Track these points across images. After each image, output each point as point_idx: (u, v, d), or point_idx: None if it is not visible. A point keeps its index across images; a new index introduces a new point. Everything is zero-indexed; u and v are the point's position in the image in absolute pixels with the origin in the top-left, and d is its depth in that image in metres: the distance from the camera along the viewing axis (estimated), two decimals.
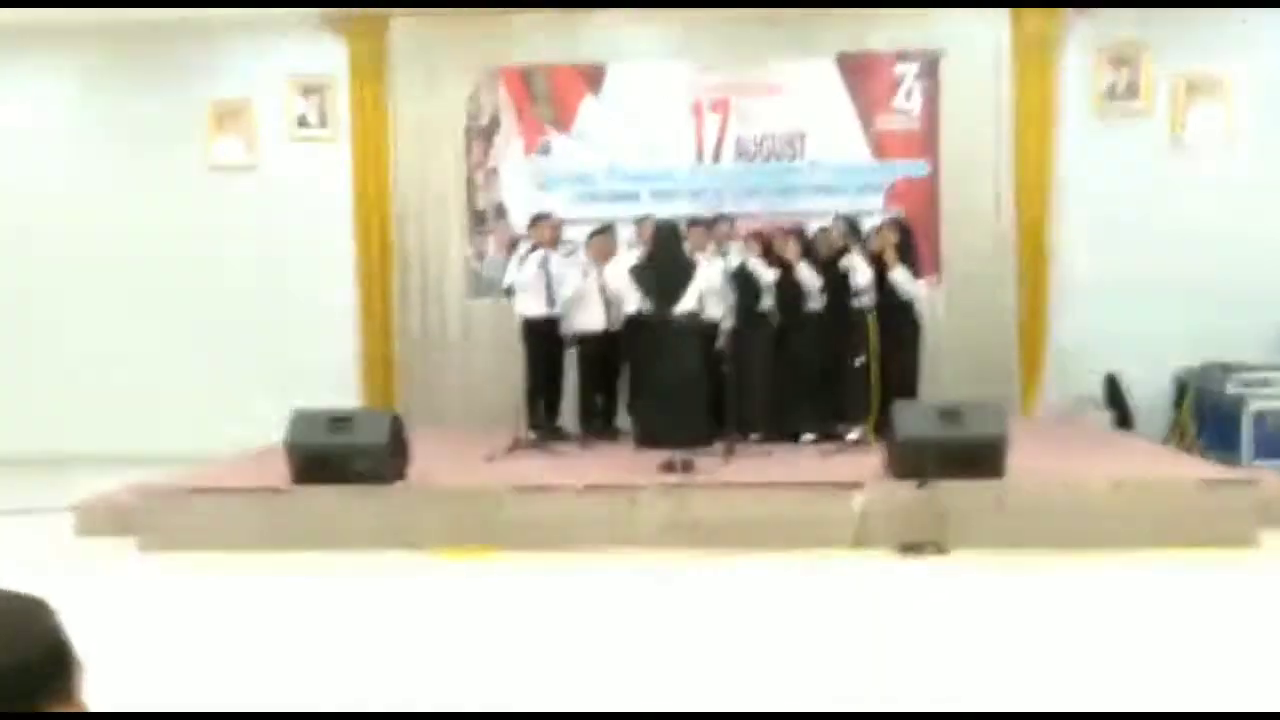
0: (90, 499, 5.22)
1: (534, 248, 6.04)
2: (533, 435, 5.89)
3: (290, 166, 7.45)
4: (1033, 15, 6.99)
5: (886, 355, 5.54)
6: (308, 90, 7.45)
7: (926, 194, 7.14)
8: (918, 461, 4.56)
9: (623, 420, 6.26)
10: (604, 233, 6.40)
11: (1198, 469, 5.14)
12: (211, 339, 7.43)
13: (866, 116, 7.15)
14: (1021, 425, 5.66)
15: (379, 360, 7.38)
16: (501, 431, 5.76)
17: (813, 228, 6.44)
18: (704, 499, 4.69)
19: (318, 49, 7.37)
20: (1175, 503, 4.56)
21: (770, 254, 6.00)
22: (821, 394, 5.84)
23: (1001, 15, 7.02)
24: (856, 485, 4.68)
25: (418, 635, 3.61)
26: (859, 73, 7.14)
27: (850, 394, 5.67)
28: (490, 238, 7.44)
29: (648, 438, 5.40)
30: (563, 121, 7.33)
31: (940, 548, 4.44)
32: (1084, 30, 7.04)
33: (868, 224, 6.35)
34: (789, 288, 5.91)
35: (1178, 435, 6.63)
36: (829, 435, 5.73)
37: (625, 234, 6.62)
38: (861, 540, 4.55)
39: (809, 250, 6.00)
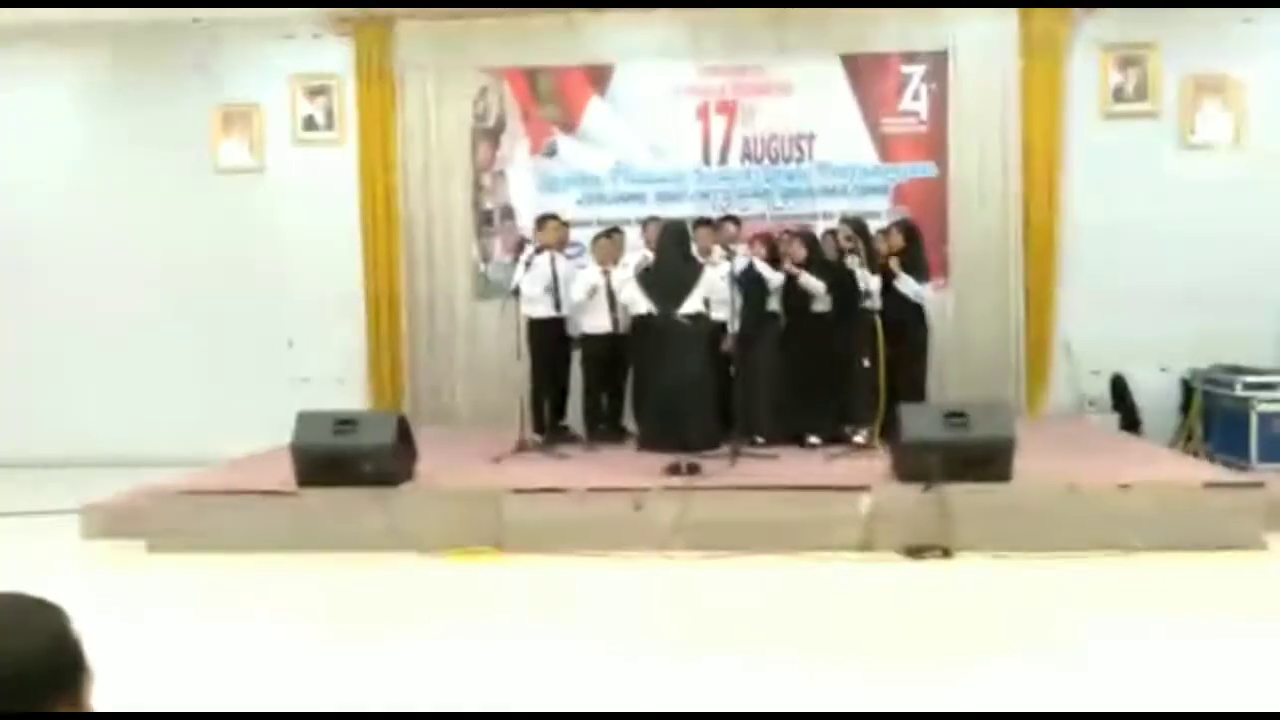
0: (98, 501, 5.23)
1: (540, 249, 6.04)
2: (538, 437, 5.90)
3: (297, 169, 7.46)
4: (1040, 15, 6.97)
5: (893, 357, 5.53)
6: (314, 92, 7.46)
7: (933, 195, 7.13)
8: (924, 464, 4.55)
9: (628, 422, 6.26)
10: (611, 234, 6.40)
11: (1205, 472, 5.12)
12: (218, 341, 7.45)
13: (873, 117, 7.14)
14: (1028, 427, 5.64)
15: (385, 362, 7.40)
16: (507, 433, 5.76)
17: (819, 230, 6.44)
18: (709, 502, 4.69)
19: (324, 51, 7.38)
20: (1183, 506, 4.54)
21: (776, 256, 5.99)
22: (828, 396, 5.83)
23: (1009, 15, 7.00)
24: (863, 488, 4.67)
25: (423, 636, 3.62)
26: (866, 73, 7.13)
27: (856, 396, 5.66)
28: (497, 239, 7.45)
29: (653, 440, 5.40)
30: (569, 123, 7.33)
31: (946, 551, 4.44)
32: (1092, 30, 7.02)
33: (874, 226, 6.34)
34: (795, 290, 5.90)
35: (1185, 438, 6.60)
36: (835, 438, 5.72)
37: (632, 235, 6.62)
38: (868, 543, 4.55)
39: (815, 252, 5.99)
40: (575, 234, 6.75)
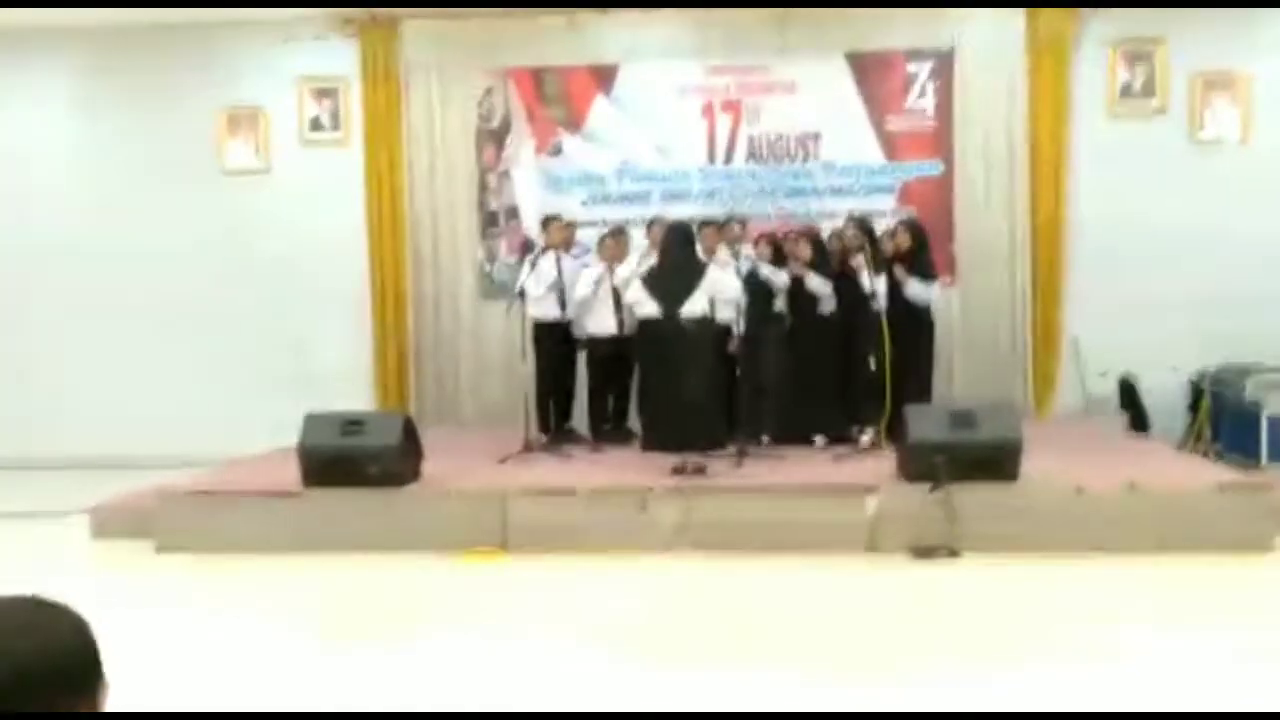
0: (107, 502, 5.26)
1: (545, 250, 6.04)
2: (544, 438, 5.90)
3: (303, 170, 7.48)
4: (1047, 13, 6.93)
5: (899, 358, 5.51)
6: (320, 94, 7.48)
7: (940, 194, 7.10)
8: (931, 465, 4.54)
9: (634, 423, 6.26)
10: (616, 235, 6.40)
11: (1215, 472, 5.09)
12: (225, 342, 7.47)
13: (879, 116, 7.11)
14: (1035, 428, 5.62)
15: (392, 363, 7.41)
16: (513, 434, 5.77)
17: (825, 229, 6.42)
18: (715, 503, 4.68)
19: (329, 52, 7.39)
20: (1192, 507, 4.51)
21: (781, 256, 5.98)
22: (834, 397, 5.82)
23: (1015, 13, 6.96)
24: (869, 489, 4.66)
25: (428, 636, 3.62)
26: (871, 72, 7.11)
27: (863, 397, 5.65)
28: (502, 240, 7.45)
29: (659, 441, 5.39)
30: (574, 123, 7.33)
31: (953, 552, 4.42)
32: (1099, 28, 6.98)
33: (880, 225, 6.32)
34: (802, 291, 5.88)
35: (1194, 438, 6.57)
36: (841, 439, 5.71)
37: (636, 236, 6.61)
38: (874, 545, 4.54)
39: (821, 252, 5.97)
40: (580, 234, 6.75)
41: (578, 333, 6.22)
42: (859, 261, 5.67)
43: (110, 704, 0.97)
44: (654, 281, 5.24)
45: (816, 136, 7.16)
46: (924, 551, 4.43)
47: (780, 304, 5.95)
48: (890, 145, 7.12)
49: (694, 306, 5.11)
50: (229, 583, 4.39)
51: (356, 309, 7.39)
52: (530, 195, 7.37)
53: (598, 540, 4.59)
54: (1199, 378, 6.72)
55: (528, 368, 5.95)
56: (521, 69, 7.33)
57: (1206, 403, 6.55)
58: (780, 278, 5.89)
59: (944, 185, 7.10)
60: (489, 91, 7.37)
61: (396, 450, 4.86)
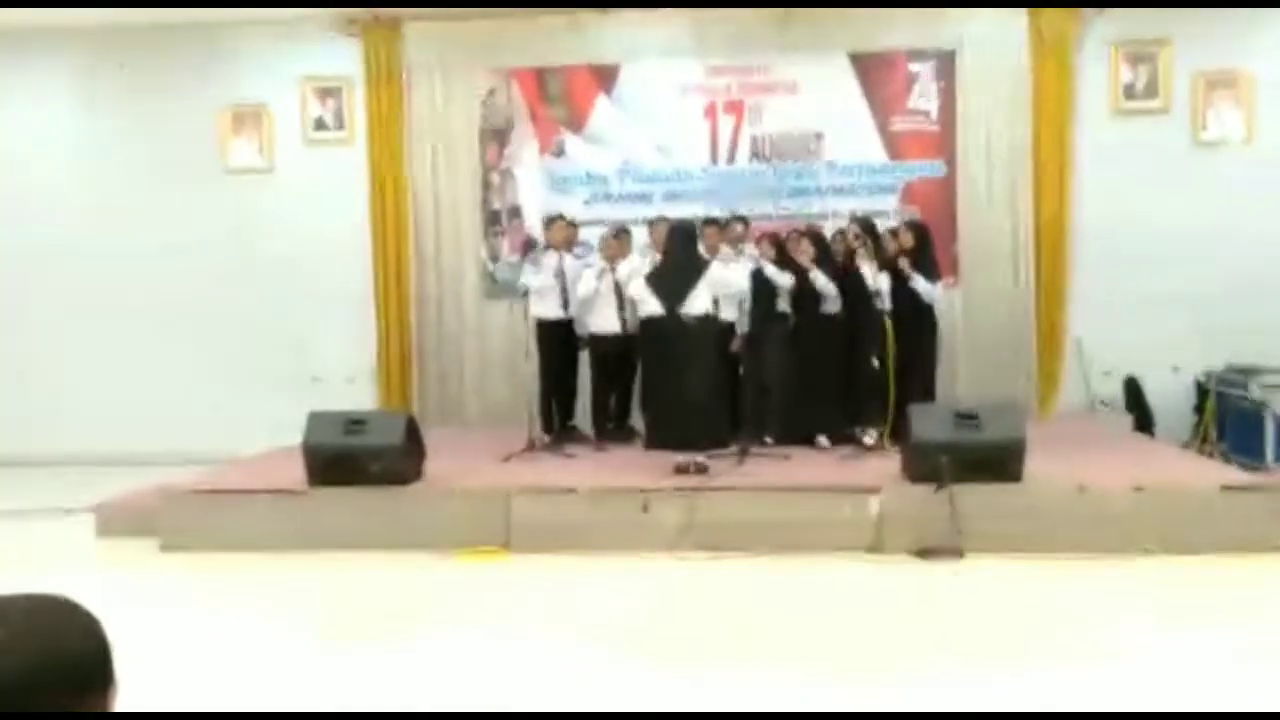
0: (111, 500, 5.27)
1: (548, 249, 6.03)
2: (547, 437, 5.90)
3: (306, 169, 7.48)
4: (1050, 13, 6.92)
5: (903, 358, 5.50)
6: (323, 93, 7.49)
7: (943, 194, 7.09)
8: (934, 465, 4.53)
9: (637, 422, 6.25)
10: (618, 234, 6.40)
11: (1220, 473, 5.08)
12: (228, 341, 7.48)
13: (882, 116, 7.11)
14: (1039, 428, 5.61)
15: (395, 362, 7.41)
16: (516, 433, 5.77)
17: (828, 229, 6.42)
18: (718, 502, 4.68)
19: (333, 52, 7.40)
20: (1197, 508, 4.50)
21: (785, 256, 5.97)
22: (837, 397, 5.81)
23: (1018, 13, 6.95)
24: (873, 489, 4.65)
25: (431, 635, 3.62)
26: (874, 72, 7.10)
27: (867, 397, 5.64)
28: (505, 239, 7.45)
29: (661, 440, 5.39)
30: (577, 122, 7.33)
31: (957, 553, 4.41)
32: (1102, 28, 6.97)
33: (884, 225, 6.31)
34: (805, 290, 5.88)
35: (1200, 439, 6.55)
36: (845, 438, 5.70)
37: (639, 235, 6.61)
38: (877, 545, 4.53)
39: (824, 252, 5.97)
40: (583, 234, 6.74)
41: (580, 331, 6.22)
42: (863, 261, 5.66)
43: (116, 703, 0.97)
44: (657, 279, 5.23)
45: (819, 136, 7.16)
46: (928, 552, 4.42)
47: (783, 303, 5.94)
48: (893, 145, 7.12)
49: (697, 304, 5.10)
50: (232, 581, 4.39)
51: (359, 308, 7.40)
52: (533, 195, 7.37)
53: (600, 540, 4.58)
54: (1205, 378, 6.71)
55: (531, 367, 5.95)
56: (524, 69, 7.34)
57: (1212, 403, 6.54)
58: (785, 278, 5.88)
59: (947, 185, 7.09)
60: (492, 91, 7.37)
61: (399, 449, 4.87)
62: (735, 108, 7.21)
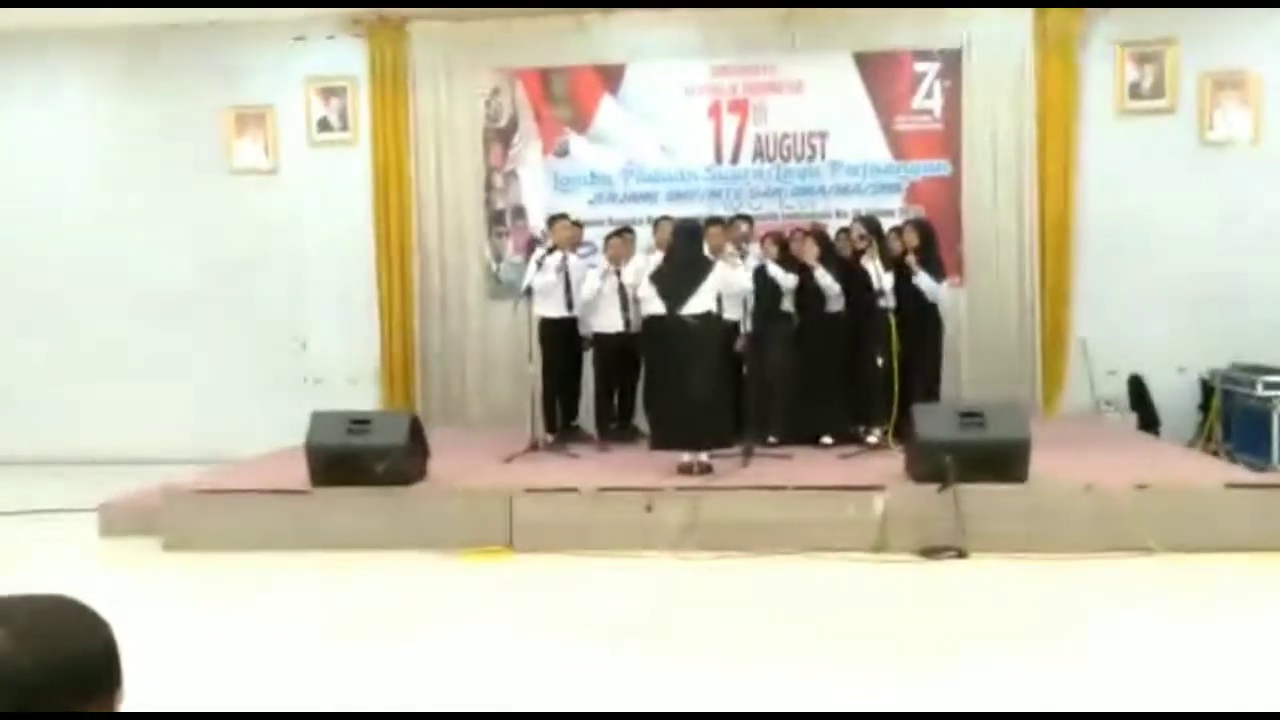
0: (115, 500, 5.27)
1: (552, 249, 6.04)
2: (550, 437, 5.90)
3: (311, 170, 7.50)
4: (1055, 12, 6.90)
5: (907, 357, 5.49)
6: (328, 94, 7.50)
7: (947, 194, 7.08)
8: (939, 465, 4.52)
9: (640, 422, 6.25)
10: (622, 234, 6.40)
11: (1225, 472, 5.06)
12: (232, 341, 7.50)
13: (886, 116, 7.10)
14: (1043, 427, 5.59)
15: (399, 362, 7.42)
16: (519, 433, 5.77)
17: (833, 228, 6.41)
18: (721, 502, 4.67)
19: (337, 53, 7.41)
20: (1203, 506, 4.48)
21: (789, 255, 5.96)
22: (841, 396, 5.80)
23: (1023, 13, 6.94)
24: (877, 489, 4.64)
25: (434, 635, 3.62)
26: (879, 72, 7.09)
27: (871, 396, 5.63)
28: (509, 239, 7.46)
29: (665, 440, 5.39)
30: (581, 122, 7.33)
31: (961, 552, 4.40)
32: (1107, 27, 6.95)
33: (888, 224, 6.30)
34: (810, 289, 5.87)
35: (1205, 438, 6.53)
36: (849, 438, 5.69)
37: (643, 235, 6.61)
38: (882, 544, 4.52)
39: (829, 251, 5.95)
40: (587, 234, 6.75)
41: (584, 331, 6.22)
42: (868, 260, 5.65)
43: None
44: (661, 279, 5.23)
45: (824, 136, 7.15)
46: (932, 551, 4.41)
47: (787, 303, 5.93)
48: (897, 145, 7.11)
49: (700, 303, 5.10)
50: (235, 581, 4.39)
51: (363, 308, 7.41)
52: (537, 195, 7.38)
53: (604, 539, 4.58)
54: (1210, 377, 6.69)
55: (534, 367, 5.95)
56: (529, 69, 7.34)
57: (1217, 402, 6.51)
58: (789, 279, 5.86)
59: (951, 185, 7.08)
60: (496, 91, 7.38)
61: (403, 449, 4.86)
62: (740, 107, 7.21)
